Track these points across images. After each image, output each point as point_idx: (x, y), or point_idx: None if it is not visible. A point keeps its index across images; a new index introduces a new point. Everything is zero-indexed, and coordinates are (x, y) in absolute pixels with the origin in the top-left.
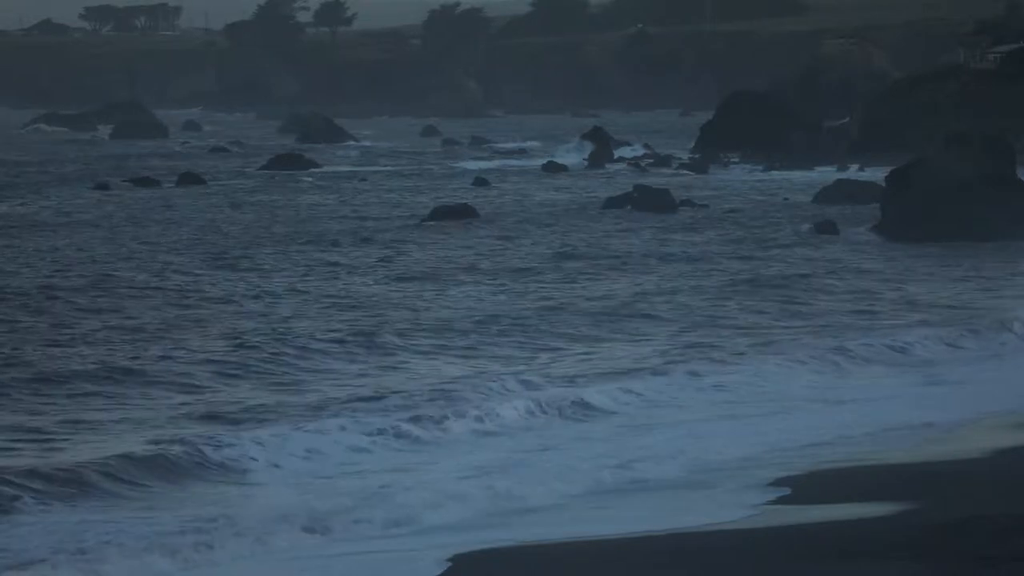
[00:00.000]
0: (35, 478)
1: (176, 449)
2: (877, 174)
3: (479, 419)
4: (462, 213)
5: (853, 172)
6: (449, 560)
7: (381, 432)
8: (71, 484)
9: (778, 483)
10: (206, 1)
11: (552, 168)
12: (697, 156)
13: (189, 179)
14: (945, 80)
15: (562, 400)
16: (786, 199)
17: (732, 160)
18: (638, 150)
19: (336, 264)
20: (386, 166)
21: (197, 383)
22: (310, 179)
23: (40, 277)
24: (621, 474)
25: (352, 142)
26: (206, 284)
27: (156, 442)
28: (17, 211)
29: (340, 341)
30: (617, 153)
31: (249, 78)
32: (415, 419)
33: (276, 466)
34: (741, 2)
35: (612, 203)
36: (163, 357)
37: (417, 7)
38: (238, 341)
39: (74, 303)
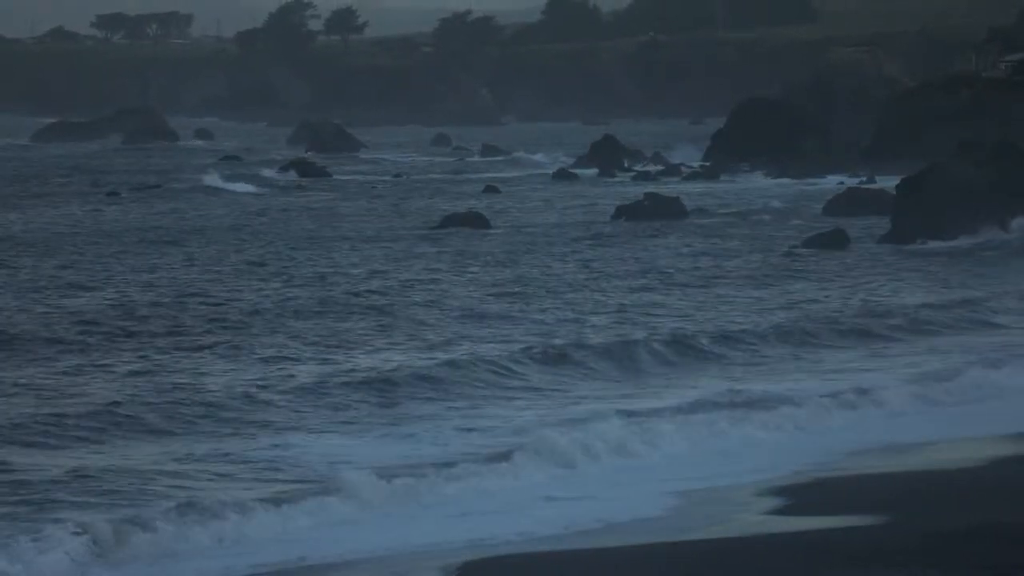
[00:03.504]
0: None
1: None
2: (889, 182)
3: None
4: (474, 221)
5: (864, 180)
6: (459, 568)
7: None
8: None
9: (778, 492)
10: (218, 9)
11: (563, 176)
12: (708, 164)
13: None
14: (957, 88)
15: None
16: (797, 206)
17: (743, 168)
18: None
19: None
20: (399, 173)
21: None
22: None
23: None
24: None
25: (363, 150)
26: None
27: None
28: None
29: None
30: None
31: (260, 86)
32: None
33: None
34: (752, 10)
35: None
36: None
37: (428, 15)
38: None
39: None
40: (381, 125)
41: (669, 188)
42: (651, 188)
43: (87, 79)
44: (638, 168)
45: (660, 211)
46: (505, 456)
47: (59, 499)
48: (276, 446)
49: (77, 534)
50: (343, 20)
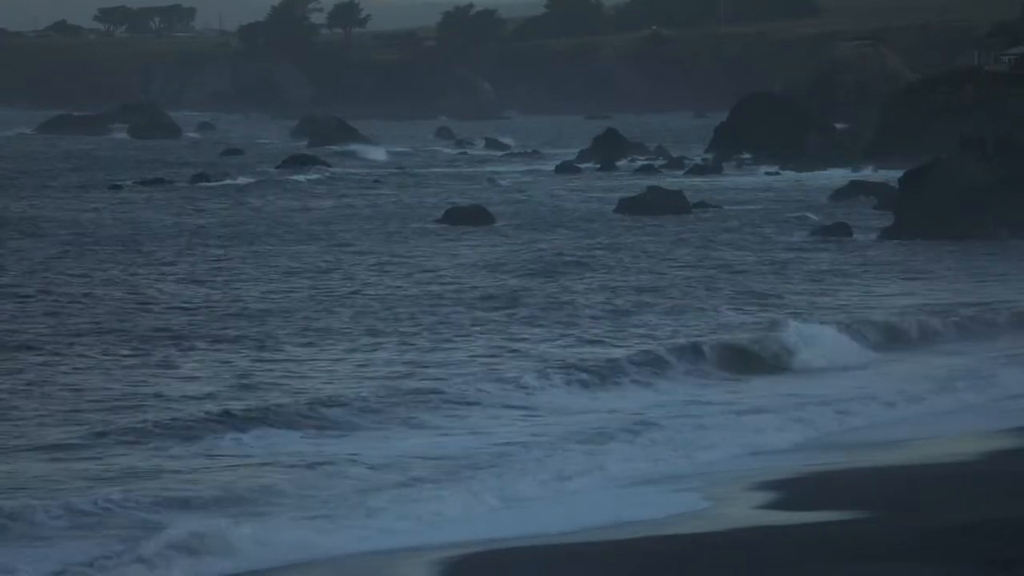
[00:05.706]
0: None
1: None
2: (891, 176)
3: None
4: (477, 216)
5: (867, 174)
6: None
7: None
8: None
9: (772, 486)
10: (220, 2)
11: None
12: (711, 157)
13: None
14: (960, 82)
15: None
16: (800, 200)
17: (746, 161)
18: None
19: None
20: (401, 168)
21: None
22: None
23: None
24: None
25: (366, 144)
26: None
27: None
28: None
29: None
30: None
31: (263, 80)
32: None
33: None
34: (755, 4)
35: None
36: None
37: (431, 9)
38: None
39: None
40: (383, 119)
41: (672, 182)
42: (654, 182)
43: (89, 73)
44: (641, 162)
45: (663, 205)
46: None
47: None
48: None
49: None
50: (346, 14)
